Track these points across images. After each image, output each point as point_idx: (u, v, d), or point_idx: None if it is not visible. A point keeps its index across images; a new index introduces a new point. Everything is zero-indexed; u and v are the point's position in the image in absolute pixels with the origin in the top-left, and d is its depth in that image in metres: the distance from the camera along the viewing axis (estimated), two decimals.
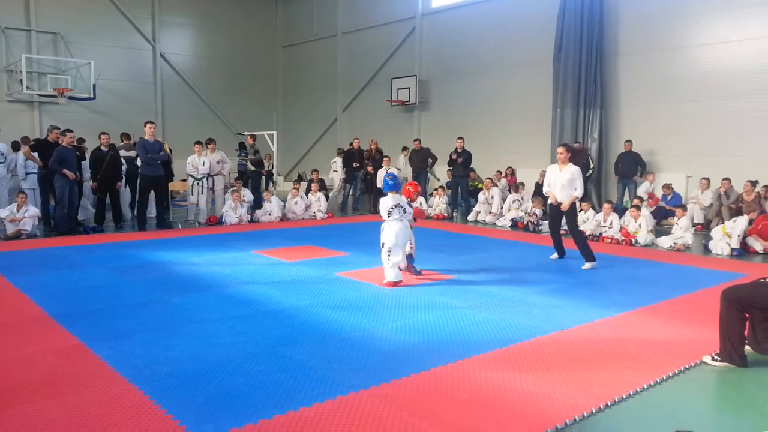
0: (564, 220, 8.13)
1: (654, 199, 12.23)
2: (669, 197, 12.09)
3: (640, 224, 9.84)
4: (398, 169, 15.32)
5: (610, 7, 13.86)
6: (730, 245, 8.96)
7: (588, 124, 14.11)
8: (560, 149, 7.74)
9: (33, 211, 10.01)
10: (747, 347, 4.21)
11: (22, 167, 11.66)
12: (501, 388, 3.68)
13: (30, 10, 17.99)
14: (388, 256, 6.45)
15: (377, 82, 19.94)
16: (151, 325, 4.98)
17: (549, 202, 8.10)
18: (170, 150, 12.53)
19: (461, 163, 13.43)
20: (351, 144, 15.04)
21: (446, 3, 17.78)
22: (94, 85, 17.70)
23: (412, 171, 14.86)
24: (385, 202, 6.59)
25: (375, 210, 12.95)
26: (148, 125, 10.78)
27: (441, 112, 18.01)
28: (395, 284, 6.43)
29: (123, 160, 11.52)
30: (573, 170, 7.65)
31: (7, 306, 5.59)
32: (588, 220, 10.39)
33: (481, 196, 13.22)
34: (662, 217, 11.77)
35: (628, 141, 13.16)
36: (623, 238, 9.78)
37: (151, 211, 11.72)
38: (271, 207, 12.47)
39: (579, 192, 7.64)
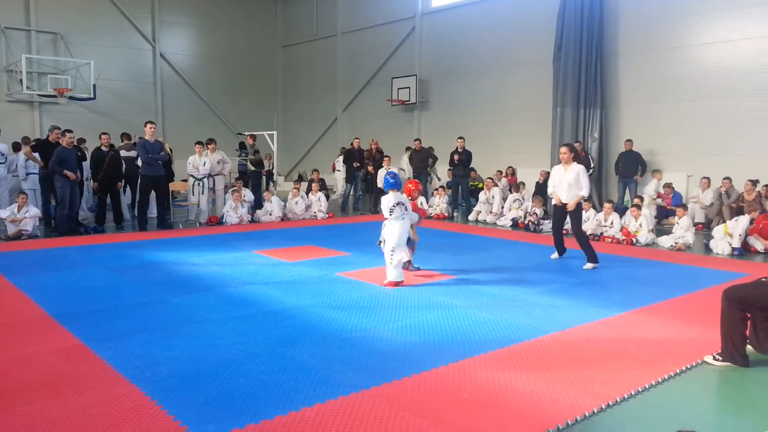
0: (567, 220, 8.12)
1: (666, 197, 12.13)
2: (670, 197, 12.08)
3: (640, 224, 9.85)
4: (401, 169, 15.31)
5: (610, 7, 13.86)
6: (731, 245, 8.96)
7: (588, 123, 14.11)
8: (563, 149, 7.72)
9: (34, 211, 10.01)
10: (749, 347, 4.21)
11: (23, 167, 11.65)
12: (502, 388, 3.68)
13: (30, 10, 18.00)
14: (392, 254, 6.45)
15: (377, 81, 19.94)
16: (152, 325, 4.98)
17: (553, 203, 8.08)
18: (171, 150, 12.54)
19: (461, 162, 13.42)
20: (351, 144, 15.04)
21: (446, 3, 17.77)
22: (94, 85, 17.70)
23: (412, 171, 14.86)
24: (387, 200, 6.58)
25: (375, 210, 12.98)
26: (149, 125, 10.77)
27: (441, 111, 18.01)
28: (397, 284, 6.43)
29: (123, 161, 11.52)
30: (578, 169, 7.63)
31: (7, 306, 5.59)
32: (589, 220, 10.38)
33: (481, 196, 13.22)
34: (663, 216, 11.78)
35: (629, 140, 13.15)
36: (624, 237, 9.78)
37: (152, 211, 11.71)
38: (272, 207, 12.47)
39: (585, 191, 7.59)
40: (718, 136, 12.37)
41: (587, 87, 13.98)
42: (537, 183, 13.66)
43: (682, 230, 9.51)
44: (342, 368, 3.99)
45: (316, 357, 4.20)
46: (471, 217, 13.11)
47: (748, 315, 4.18)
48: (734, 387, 3.94)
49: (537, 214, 11.56)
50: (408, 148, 16.39)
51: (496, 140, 16.25)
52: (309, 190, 13.61)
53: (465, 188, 14.02)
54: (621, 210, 11.08)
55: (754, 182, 10.88)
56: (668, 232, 10.01)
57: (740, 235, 8.99)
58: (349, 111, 21.31)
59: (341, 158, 15.75)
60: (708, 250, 9.23)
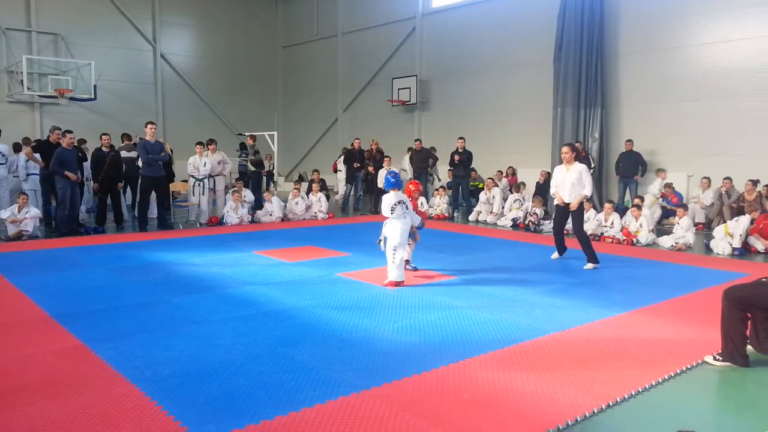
0: (569, 221, 8.11)
1: (672, 195, 12.05)
2: (674, 194, 12.07)
3: (641, 224, 9.84)
4: (403, 169, 15.31)
5: (611, 7, 13.87)
6: (731, 245, 8.96)
7: (588, 123, 14.11)
8: (565, 148, 7.72)
9: (34, 212, 10.01)
10: (749, 347, 4.21)
11: (24, 168, 11.66)
12: (502, 388, 3.68)
13: (30, 11, 18.03)
14: (394, 253, 6.45)
15: (378, 82, 19.94)
16: (153, 325, 4.98)
17: (555, 203, 8.07)
18: (171, 151, 12.54)
19: (462, 163, 13.42)
20: (352, 144, 15.05)
21: (446, 3, 17.78)
22: (94, 86, 17.72)
23: (413, 171, 14.86)
24: (388, 199, 6.58)
25: (376, 210, 12.97)
26: (149, 126, 10.78)
27: (441, 112, 18.01)
28: (397, 284, 6.43)
29: (123, 161, 11.51)
30: (580, 168, 7.63)
31: (7, 306, 5.59)
32: (589, 220, 10.37)
33: (482, 196, 13.22)
34: (663, 216, 11.77)
35: (629, 140, 13.15)
36: (624, 237, 9.78)
37: (152, 211, 11.72)
38: (272, 207, 12.47)
39: (588, 190, 7.59)
40: (719, 136, 12.38)
41: (588, 87, 13.99)
42: (537, 183, 13.66)
43: (683, 230, 9.51)
44: (342, 368, 3.99)
45: (316, 357, 4.20)
46: (471, 217, 13.11)
47: (749, 315, 4.17)
48: (734, 387, 3.94)
49: (537, 215, 11.56)
50: (409, 149, 16.39)
51: (497, 140, 16.26)
52: (309, 190, 13.61)
53: (465, 188, 14.02)
54: (621, 210, 11.08)
55: (755, 182, 10.88)
56: (669, 232, 10.01)
57: (741, 235, 8.99)
58: (350, 111, 21.32)
59: (342, 158, 15.75)
60: (708, 250, 9.22)
